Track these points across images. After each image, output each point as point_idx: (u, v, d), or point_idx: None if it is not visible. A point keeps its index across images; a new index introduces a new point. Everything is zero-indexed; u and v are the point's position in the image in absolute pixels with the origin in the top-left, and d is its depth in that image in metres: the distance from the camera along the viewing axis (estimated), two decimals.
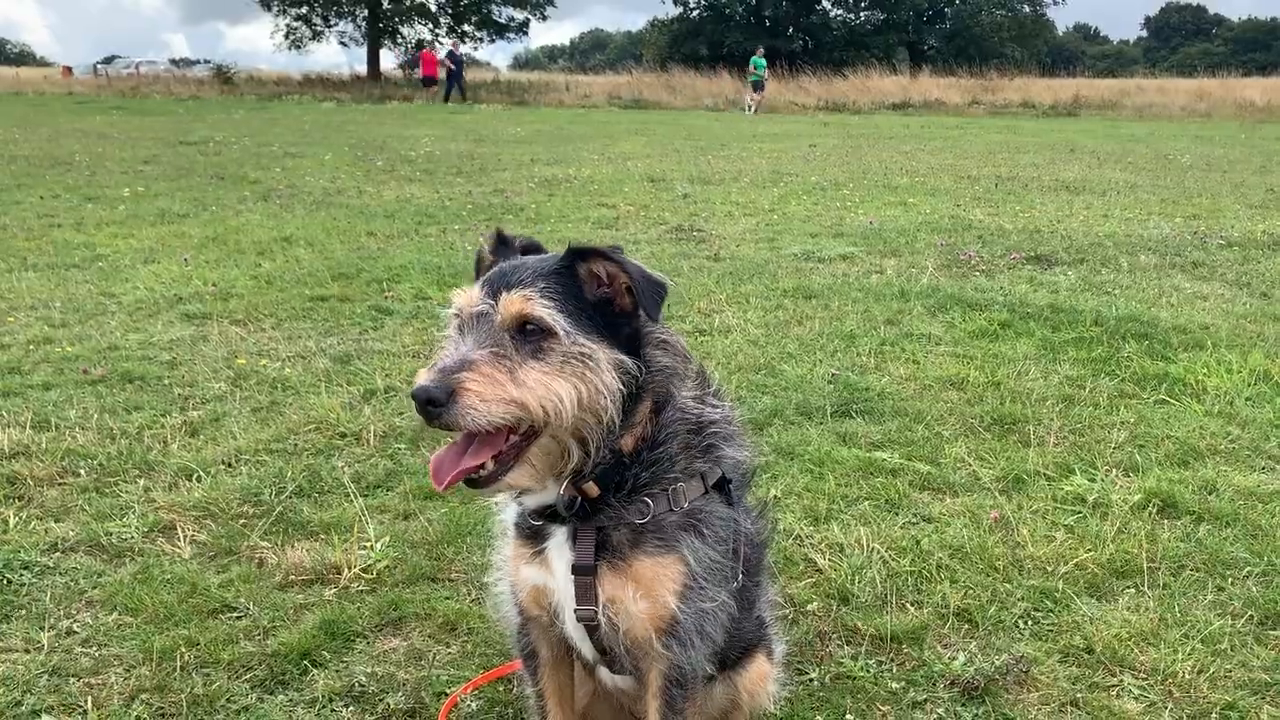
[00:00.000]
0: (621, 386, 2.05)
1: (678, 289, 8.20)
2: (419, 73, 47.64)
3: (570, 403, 1.99)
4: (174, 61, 71.15)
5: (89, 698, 3.02)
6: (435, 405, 1.92)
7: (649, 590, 2.22)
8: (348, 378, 5.91)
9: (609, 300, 2.10)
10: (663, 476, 2.21)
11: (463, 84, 45.01)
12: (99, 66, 64.97)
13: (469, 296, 2.08)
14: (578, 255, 2.09)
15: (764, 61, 40.98)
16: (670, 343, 2.19)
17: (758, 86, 40.31)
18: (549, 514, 2.26)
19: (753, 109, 39.10)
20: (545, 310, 2.00)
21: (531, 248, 2.29)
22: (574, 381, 2.00)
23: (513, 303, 2.01)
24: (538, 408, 1.97)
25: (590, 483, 2.17)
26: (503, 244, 2.27)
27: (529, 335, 2.01)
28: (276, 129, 25.25)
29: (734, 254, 9.83)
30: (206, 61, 62.45)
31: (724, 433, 2.31)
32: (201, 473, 4.58)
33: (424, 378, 1.95)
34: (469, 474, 2.04)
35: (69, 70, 64.17)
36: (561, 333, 2.00)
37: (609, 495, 2.19)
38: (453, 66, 44.04)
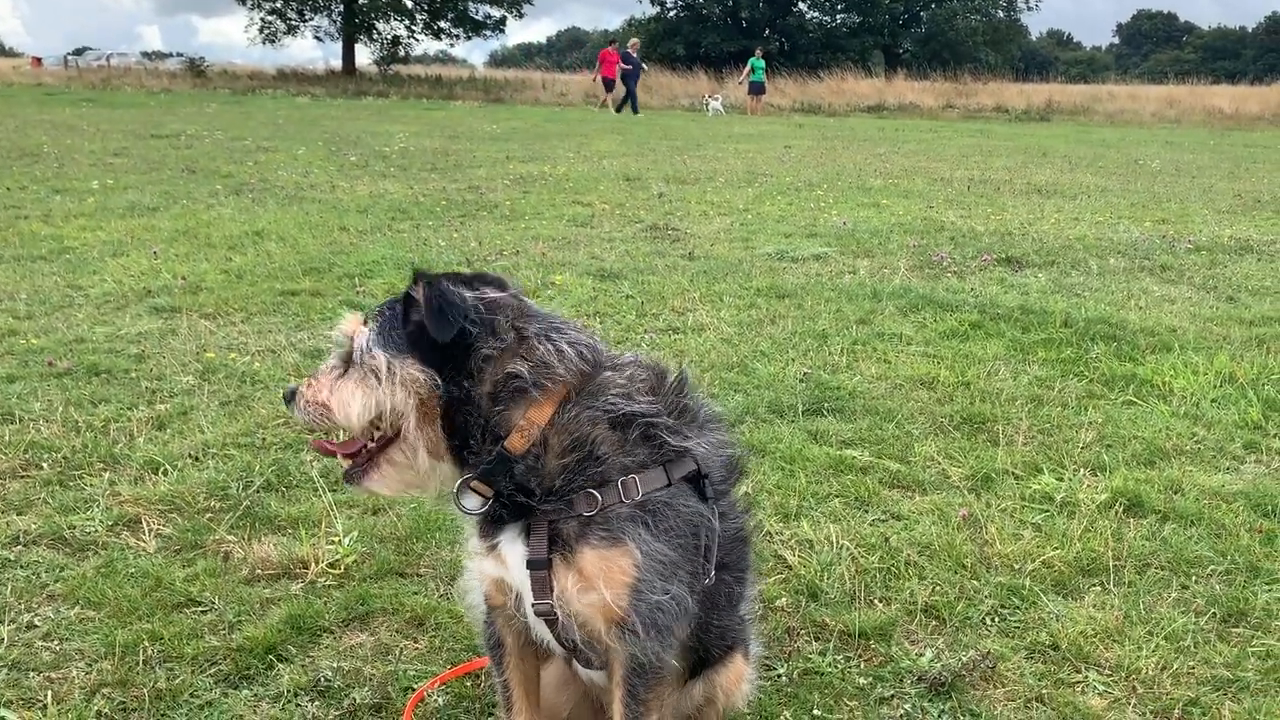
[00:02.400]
0: (425, 397, 2.24)
1: (654, 286, 8.20)
2: (597, 75, 39.78)
3: (358, 409, 2.27)
4: (146, 54, 70.23)
5: (49, 692, 2.98)
6: (287, 402, 2.39)
7: (592, 583, 2.23)
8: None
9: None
10: (591, 473, 2.23)
11: (634, 94, 37.99)
12: (69, 58, 64.18)
13: (342, 324, 2.41)
14: (415, 278, 2.28)
15: (763, 63, 40.60)
16: (527, 352, 2.23)
17: (757, 89, 40.02)
18: (495, 510, 2.31)
19: (721, 111, 38.99)
20: (359, 330, 2.31)
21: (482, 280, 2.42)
22: (365, 391, 2.26)
23: (345, 326, 2.35)
24: (339, 413, 2.30)
25: (478, 483, 2.29)
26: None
27: (352, 353, 2.32)
28: (250, 123, 25.05)
29: (708, 253, 9.84)
30: (179, 55, 61.73)
31: (664, 424, 2.30)
32: (168, 466, 4.54)
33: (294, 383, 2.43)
34: (325, 451, 2.42)
35: (39, 61, 63.42)
36: (357, 349, 2.29)
37: (516, 495, 2.26)
38: (627, 68, 37.69)
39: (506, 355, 2.24)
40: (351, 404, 2.27)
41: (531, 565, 2.26)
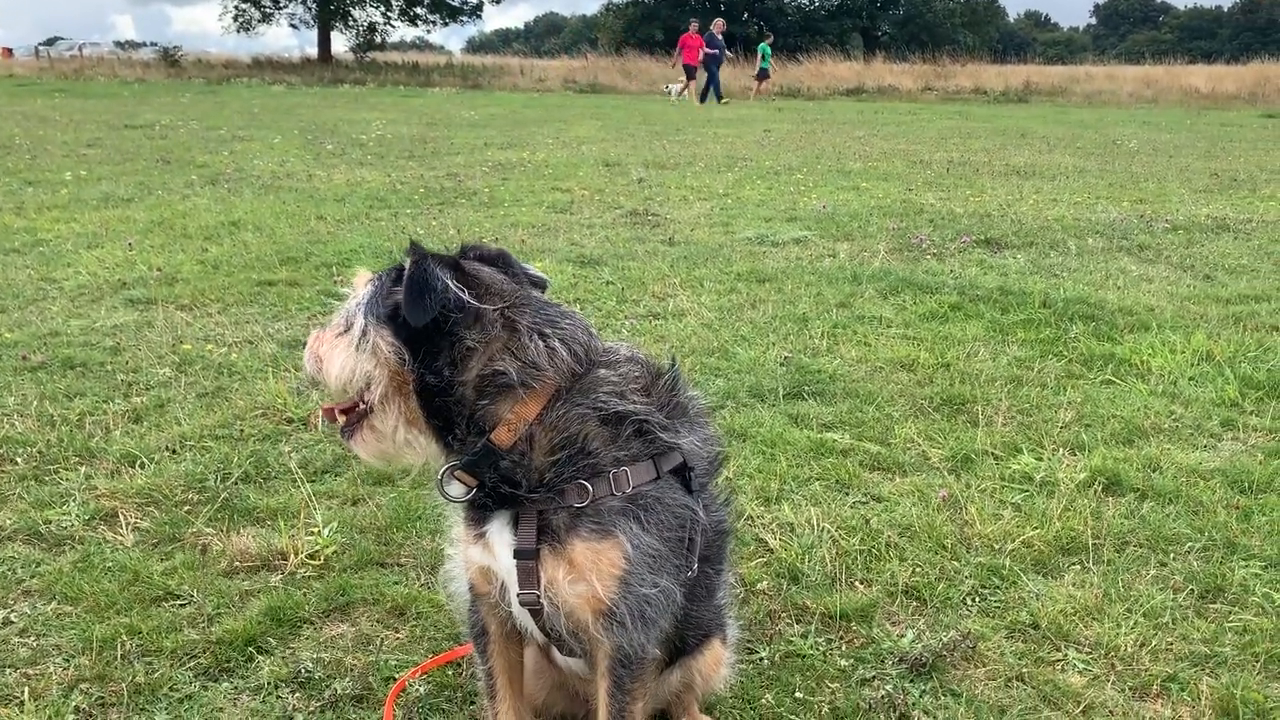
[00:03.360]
0: (401, 371, 2.21)
1: (634, 272, 8.18)
2: (677, 60, 35.99)
3: (338, 370, 2.27)
4: (119, 44, 69.50)
5: (26, 688, 2.96)
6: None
7: (582, 574, 2.22)
8: (295, 363, 5.83)
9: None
10: (579, 467, 2.20)
11: (717, 80, 34.61)
12: (40, 48, 63.35)
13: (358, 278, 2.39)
14: (408, 251, 2.24)
15: (770, 50, 39.84)
16: (519, 351, 2.18)
17: (763, 75, 39.08)
18: (480, 498, 2.29)
19: (682, 96, 38.33)
20: (358, 291, 2.30)
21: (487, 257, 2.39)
22: (350, 353, 2.26)
23: (356, 280, 2.34)
24: (327, 368, 2.30)
25: (462, 472, 2.27)
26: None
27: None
28: (225, 112, 24.82)
29: (688, 238, 9.83)
30: (153, 44, 61.05)
31: (657, 422, 2.28)
32: (145, 459, 4.50)
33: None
34: (327, 415, 2.39)
35: (9, 51, 62.55)
36: (346, 309, 2.30)
37: (502, 486, 2.23)
38: (712, 51, 34.09)
39: (493, 348, 2.18)
40: (333, 362, 2.27)
41: (519, 555, 2.24)
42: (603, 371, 2.27)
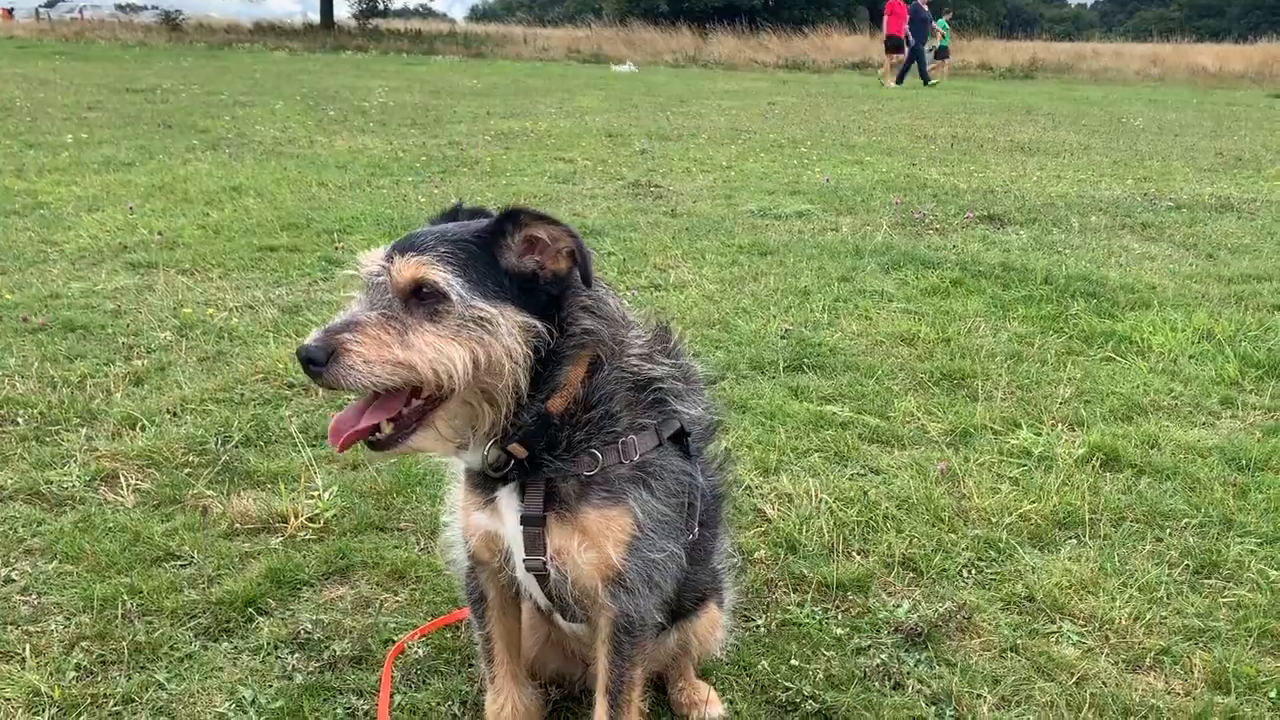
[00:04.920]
0: (528, 350, 2.05)
1: (636, 243, 8.17)
2: (884, 31, 31.75)
3: (463, 366, 1.98)
4: (120, 7, 68.88)
5: (27, 645, 2.98)
6: (315, 364, 1.93)
7: (595, 542, 2.23)
8: (296, 328, 5.83)
9: (537, 265, 2.08)
10: (605, 432, 2.21)
11: (923, 58, 30.63)
12: (41, 10, 62.93)
13: (368, 259, 2.08)
14: (512, 218, 2.07)
15: (948, 25, 37.35)
16: (597, 307, 2.17)
17: (943, 53, 36.12)
18: (496, 468, 2.26)
19: (634, 69, 37.41)
20: (440, 274, 1.99)
21: (478, 214, 2.29)
22: (470, 345, 1.99)
23: (406, 267, 2.00)
24: (428, 370, 1.97)
25: (516, 444, 2.18)
26: (451, 216, 2.30)
27: (424, 299, 2.00)
28: (226, 77, 24.67)
29: (691, 210, 9.80)
30: (154, 7, 60.45)
31: (674, 389, 2.30)
32: (146, 422, 4.51)
33: (310, 337, 1.96)
34: (364, 435, 2.05)
35: (9, 13, 62.15)
36: (455, 297, 1.98)
37: (543, 454, 2.19)
38: (917, 25, 30.34)
39: (587, 308, 2.16)
40: (454, 359, 1.97)
41: (525, 521, 2.25)
42: (631, 333, 2.27)
